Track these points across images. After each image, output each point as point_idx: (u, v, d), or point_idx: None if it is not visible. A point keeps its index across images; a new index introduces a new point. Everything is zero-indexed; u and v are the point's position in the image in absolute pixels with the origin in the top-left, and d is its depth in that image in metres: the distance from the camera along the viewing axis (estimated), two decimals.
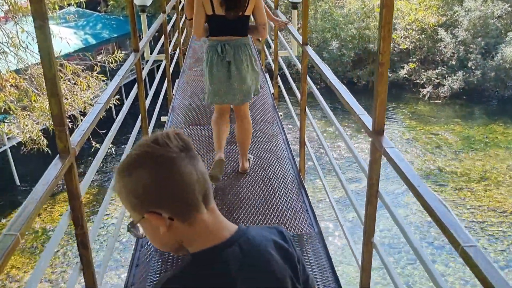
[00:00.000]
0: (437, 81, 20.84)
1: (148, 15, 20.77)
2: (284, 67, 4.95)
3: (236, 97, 3.34)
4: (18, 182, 13.65)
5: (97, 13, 23.06)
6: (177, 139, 0.87)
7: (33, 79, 6.15)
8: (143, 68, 3.48)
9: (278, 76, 5.18)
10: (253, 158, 3.86)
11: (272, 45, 5.58)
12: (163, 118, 5.01)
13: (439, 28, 21.53)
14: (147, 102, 3.59)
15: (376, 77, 1.74)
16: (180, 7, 7.42)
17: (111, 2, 24.18)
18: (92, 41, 18.89)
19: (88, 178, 2.02)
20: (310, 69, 3.75)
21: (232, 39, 3.13)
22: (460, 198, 13.20)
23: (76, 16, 22.58)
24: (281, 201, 3.28)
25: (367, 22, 21.67)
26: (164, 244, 0.92)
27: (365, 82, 20.98)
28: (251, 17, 3.18)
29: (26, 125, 6.05)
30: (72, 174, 1.73)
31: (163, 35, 5.00)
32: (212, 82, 3.28)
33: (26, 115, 6.15)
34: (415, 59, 21.65)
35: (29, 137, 6.22)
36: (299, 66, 3.50)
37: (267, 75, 6.23)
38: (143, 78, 3.44)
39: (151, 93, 3.95)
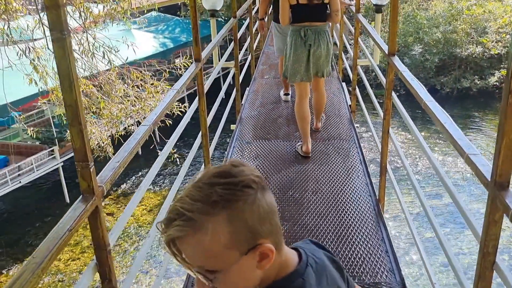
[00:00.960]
0: None
1: (223, 20, 20.95)
2: (364, 77, 4.44)
3: (313, 75, 3.77)
4: (68, 200, 12.69)
5: (177, 17, 23.63)
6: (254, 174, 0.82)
7: (102, 86, 6.14)
8: (207, 77, 3.15)
9: (357, 86, 4.68)
10: (326, 182, 3.42)
11: (351, 52, 5.08)
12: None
13: None
14: (209, 118, 3.27)
15: (502, 110, 1.24)
16: (254, 11, 7.12)
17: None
18: (170, 44, 19.31)
19: (120, 225, 1.69)
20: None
21: (312, 25, 3.61)
22: None
23: (154, 20, 23.38)
24: (355, 236, 2.81)
25: (455, 25, 20.20)
26: (250, 285, 0.85)
27: (450, 89, 19.55)
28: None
29: (93, 133, 6.05)
30: (98, 220, 1.42)
31: (233, 41, 4.69)
32: (294, 62, 3.70)
33: (94, 122, 6.16)
34: (507, 66, 19.79)
35: (97, 144, 6.22)
36: (383, 79, 3.00)
37: (344, 84, 5.73)
38: (205, 90, 3.12)
39: (215, 107, 3.62)
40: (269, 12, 6.49)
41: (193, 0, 2.69)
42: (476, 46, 19.80)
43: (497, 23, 20.36)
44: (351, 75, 4.85)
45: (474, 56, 19.84)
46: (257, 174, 0.82)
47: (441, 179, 1.99)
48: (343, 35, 6.14)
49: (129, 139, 1.83)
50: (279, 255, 0.85)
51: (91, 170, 1.38)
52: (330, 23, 3.89)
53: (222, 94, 3.98)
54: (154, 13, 25.86)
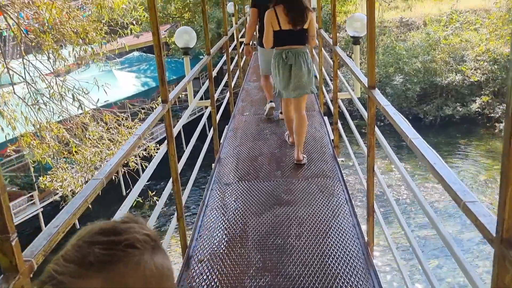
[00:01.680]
0: None
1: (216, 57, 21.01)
2: (345, 111, 4.27)
3: (295, 91, 4.15)
4: None
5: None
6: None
7: (75, 130, 5.88)
8: (178, 118, 2.96)
9: (339, 120, 4.51)
10: (310, 225, 3.18)
11: (331, 85, 4.94)
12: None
13: None
14: (182, 162, 3.04)
15: (504, 154, 1.04)
16: (231, 48, 7.02)
17: (172, 45, 24.79)
18: (152, 83, 19.24)
19: None
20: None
21: (292, 47, 4.09)
22: None
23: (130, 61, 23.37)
24: (343, 286, 2.54)
25: (433, 54, 20.55)
26: None
27: (433, 117, 19.67)
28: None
29: (65, 179, 5.72)
30: None
31: (208, 79, 4.51)
32: (280, 80, 4.19)
33: (66, 167, 5.86)
34: (487, 92, 20.11)
35: (70, 191, 5.90)
36: (364, 113, 2.82)
37: (325, 118, 5.56)
38: (175, 132, 2.89)
39: (188, 149, 3.38)
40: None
41: (157, 37, 2.49)
42: (456, 74, 20.09)
43: (474, 51, 20.76)
44: (332, 109, 4.69)
45: (454, 84, 20.11)
46: (147, 232, 0.73)
47: (435, 229, 1.78)
48: (322, 68, 6.03)
49: (75, 196, 1.59)
50: None
51: (13, 243, 1.13)
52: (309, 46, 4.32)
53: (195, 136, 3.75)
54: (136, 53, 26.00)
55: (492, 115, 19.62)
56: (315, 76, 4.92)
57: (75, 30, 5.33)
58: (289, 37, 4.06)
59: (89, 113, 5.98)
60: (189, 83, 4.33)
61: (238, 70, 7.71)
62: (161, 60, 2.54)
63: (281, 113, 5.17)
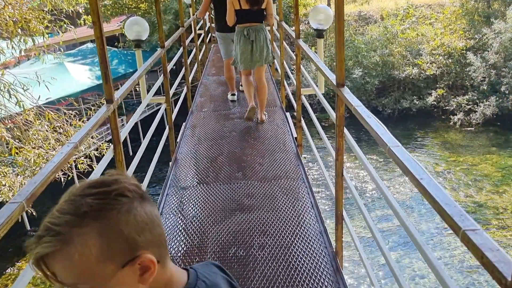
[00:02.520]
0: (468, 107, 19.68)
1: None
2: (309, 108, 4.06)
3: (256, 63, 4.75)
4: None
5: (114, 48, 22.86)
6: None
7: (15, 129, 5.34)
8: (122, 122, 2.63)
9: (302, 118, 4.29)
10: (274, 233, 2.94)
11: (293, 80, 4.72)
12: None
13: (467, 52, 20.51)
14: (132, 167, 2.71)
15: None
16: (188, 40, 6.67)
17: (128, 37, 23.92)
18: None
19: None
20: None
21: (253, 25, 4.64)
22: (507, 238, 11.89)
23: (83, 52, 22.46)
24: None
25: (391, 48, 20.81)
26: None
27: (391, 110, 19.94)
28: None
29: (4, 185, 5.18)
30: None
31: (163, 74, 4.18)
32: (241, 54, 4.71)
33: (6, 171, 5.32)
34: (443, 85, 20.59)
35: (12, 195, 5.43)
36: (332, 113, 2.60)
37: (288, 114, 5.34)
38: (124, 136, 2.56)
39: (139, 153, 3.04)
40: None
41: (98, 28, 2.16)
42: (413, 68, 20.43)
43: (430, 45, 21.17)
44: (295, 105, 4.46)
45: (411, 77, 20.46)
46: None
47: (413, 241, 1.57)
48: (283, 62, 5.80)
49: None
50: (163, 270, 0.82)
51: None
52: (268, 23, 4.92)
53: (148, 136, 3.42)
54: (90, 45, 24.99)
55: (447, 107, 20.09)
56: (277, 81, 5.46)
57: (14, 19, 4.82)
58: (249, 16, 4.61)
59: (32, 111, 5.47)
60: (142, 78, 4.00)
61: (196, 64, 7.37)
62: (104, 54, 2.21)
63: (241, 85, 5.63)
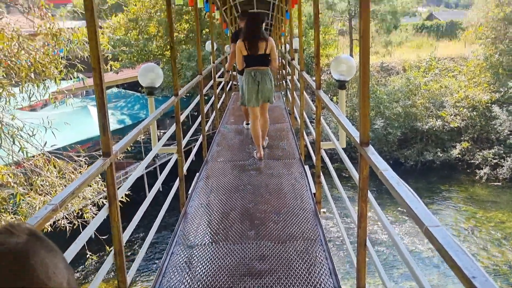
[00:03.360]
0: (495, 161, 19.07)
1: (185, 96, 20.63)
2: (329, 164, 3.79)
3: (260, 100, 5.39)
4: None
5: (137, 93, 23.25)
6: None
7: (21, 175, 5.17)
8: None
9: (322, 174, 4.01)
10: None
11: (313, 131, 4.48)
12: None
13: (492, 105, 20.13)
14: (129, 230, 2.46)
15: None
16: (207, 87, 6.56)
17: None
18: (129, 121, 18.65)
19: None
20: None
21: (259, 68, 5.32)
22: None
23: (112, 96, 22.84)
24: None
25: (413, 99, 20.59)
26: None
27: (413, 162, 19.46)
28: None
29: None
30: None
31: (175, 123, 3.99)
32: (248, 94, 5.36)
33: (8, 220, 5.11)
34: (467, 138, 20.11)
35: None
36: (355, 175, 2.32)
37: (307, 167, 5.07)
38: (122, 192, 2.32)
39: (143, 207, 2.79)
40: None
41: (98, 74, 1.98)
42: (436, 120, 20.08)
43: (453, 97, 20.90)
44: (314, 160, 4.19)
45: (434, 129, 20.07)
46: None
47: None
48: (303, 112, 5.59)
49: None
50: None
51: None
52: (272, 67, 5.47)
53: (155, 189, 3.19)
54: (115, 89, 25.52)
55: (472, 161, 19.52)
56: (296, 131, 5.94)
57: (30, 63, 4.76)
58: (255, 61, 5.30)
59: (42, 157, 5.32)
60: (153, 125, 3.83)
61: (214, 111, 7.24)
62: (104, 103, 2.03)
63: (247, 123, 6.73)
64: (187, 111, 4.98)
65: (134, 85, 25.17)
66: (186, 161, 4.42)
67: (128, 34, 24.12)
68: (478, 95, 20.73)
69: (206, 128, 6.30)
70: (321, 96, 3.62)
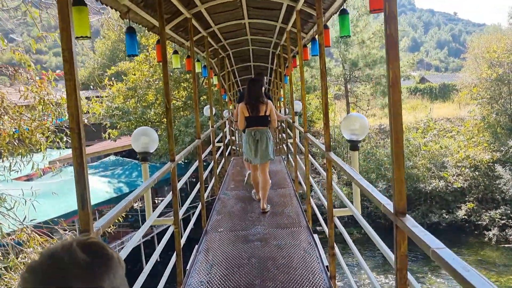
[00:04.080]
0: (502, 222, 18.48)
1: (183, 162, 20.35)
2: (344, 231, 3.37)
3: (260, 159, 5.77)
4: None
5: (135, 161, 23.01)
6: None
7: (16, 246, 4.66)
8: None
9: (335, 244, 3.57)
10: None
11: (323, 199, 4.10)
12: None
13: (494, 164, 19.88)
14: None
15: None
16: (205, 153, 6.25)
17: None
18: (126, 189, 18.19)
19: None
20: None
21: (259, 128, 5.75)
22: None
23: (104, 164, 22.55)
24: None
25: (414, 161, 20.33)
26: None
27: (418, 224, 18.78)
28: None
29: None
30: None
31: (171, 191, 3.62)
32: (249, 150, 5.84)
33: None
34: (472, 198, 19.64)
35: None
36: (390, 255, 1.92)
37: (316, 236, 4.63)
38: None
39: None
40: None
41: (77, 138, 1.64)
42: (439, 181, 19.72)
43: (454, 157, 20.68)
44: (326, 230, 3.77)
45: (438, 190, 19.66)
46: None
47: None
48: (310, 176, 5.24)
49: None
50: None
51: None
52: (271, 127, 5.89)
53: (151, 262, 2.75)
54: (112, 157, 25.31)
55: (480, 222, 18.92)
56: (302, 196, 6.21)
57: (14, 129, 4.45)
58: (256, 121, 5.76)
59: (25, 231, 4.86)
60: (147, 194, 3.45)
61: (213, 178, 6.87)
62: (83, 170, 1.67)
63: (249, 176, 6.88)
64: (185, 178, 4.60)
65: (132, 152, 25.01)
66: (184, 232, 3.99)
67: (127, 102, 24.31)
68: (479, 154, 20.54)
69: (206, 195, 5.91)
70: (334, 159, 3.28)
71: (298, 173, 6.76)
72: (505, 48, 23.21)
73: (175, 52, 6.47)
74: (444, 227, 18.89)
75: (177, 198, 3.60)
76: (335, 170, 17.60)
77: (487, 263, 16.68)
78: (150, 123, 25.82)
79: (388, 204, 1.76)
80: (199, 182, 5.34)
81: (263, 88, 6.00)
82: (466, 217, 19.16)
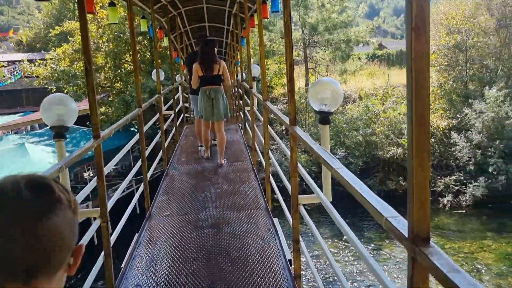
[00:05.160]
0: (456, 188, 18.76)
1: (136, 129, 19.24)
2: (312, 224, 2.75)
3: (215, 117, 6.09)
4: None
5: (84, 128, 21.65)
6: None
7: None
8: None
9: (301, 241, 2.95)
10: None
11: (287, 184, 3.46)
12: None
13: (450, 131, 20.01)
14: None
15: None
16: (151, 123, 5.46)
17: (102, 117, 22.95)
18: None
19: None
20: None
21: (213, 87, 6.02)
22: None
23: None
24: None
25: (373, 127, 20.16)
26: None
27: (376, 192, 18.72)
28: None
29: None
30: None
31: (97, 176, 2.84)
32: (203, 109, 6.07)
33: None
34: None
35: None
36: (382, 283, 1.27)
37: (277, 221, 4.01)
38: None
39: None
40: None
41: None
42: (397, 148, 19.69)
43: None
44: (289, 220, 3.13)
45: (395, 157, 19.65)
46: None
47: None
48: (269, 151, 4.58)
49: None
50: None
51: None
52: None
53: None
54: None
55: (435, 189, 19.12)
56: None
57: None
58: (210, 80, 5.93)
59: None
60: (64, 177, 2.67)
61: (161, 151, 6.10)
62: None
63: (201, 145, 6.98)
64: (116, 159, 3.73)
65: (82, 118, 23.59)
66: (112, 233, 3.25)
67: (74, 65, 22.71)
68: (435, 121, 20.62)
69: (151, 172, 5.16)
70: (300, 135, 2.60)
71: (256, 145, 6.10)
72: (463, 14, 23.12)
73: (112, 3, 5.49)
74: (400, 194, 18.97)
75: (104, 184, 2.85)
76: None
77: (442, 230, 16.91)
78: (100, 87, 24.36)
79: (397, 222, 1.11)
80: (141, 159, 4.57)
81: (216, 49, 6.17)
82: None
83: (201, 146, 6.87)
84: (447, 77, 22.95)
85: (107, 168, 3.10)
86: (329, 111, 2.75)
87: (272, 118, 19.12)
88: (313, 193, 2.78)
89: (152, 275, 3.10)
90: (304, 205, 2.92)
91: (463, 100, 21.69)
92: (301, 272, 3.03)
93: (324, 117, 2.75)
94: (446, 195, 18.60)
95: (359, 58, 34.43)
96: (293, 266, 3.02)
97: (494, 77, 22.34)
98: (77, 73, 22.03)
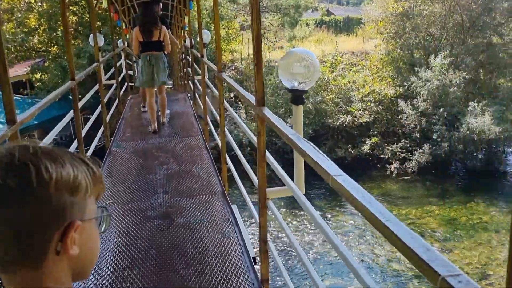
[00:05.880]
0: (403, 155, 19.15)
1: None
2: (281, 219, 2.34)
3: (156, 82, 6.12)
4: None
5: (19, 96, 20.02)
6: None
7: None
8: None
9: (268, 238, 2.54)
10: None
11: (254, 177, 3.02)
12: None
13: (398, 99, 20.26)
14: None
15: None
16: (89, 95, 4.80)
17: (37, 84, 21.33)
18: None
19: None
20: None
21: (153, 53, 6.01)
22: None
23: None
24: None
25: (323, 95, 20.02)
26: None
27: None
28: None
29: None
30: None
31: None
32: (143, 76, 6.02)
33: None
34: (375, 133, 20.00)
35: None
36: None
37: (235, 208, 3.58)
38: None
39: None
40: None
41: None
42: (346, 116, 19.73)
43: (360, 92, 20.69)
44: (256, 217, 2.70)
45: (345, 125, 19.71)
46: None
47: None
48: (225, 129, 4.09)
49: None
50: None
51: None
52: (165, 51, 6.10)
53: None
54: None
55: (382, 156, 19.44)
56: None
57: None
58: (151, 46, 5.90)
59: None
60: None
61: (102, 127, 5.45)
62: None
63: (143, 107, 7.21)
64: (52, 134, 3.09)
65: (13, 86, 21.84)
66: None
67: (2, 26, 20.79)
68: (383, 89, 20.77)
69: (91, 151, 4.56)
70: (269, 117, 2.14)
71: (208, 119, 5.58)
72: None
73: None
74: (349, 162, 19.14)
75: None
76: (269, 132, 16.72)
77: (389, 196, 17.27)
78: (34, 52, 22.60)
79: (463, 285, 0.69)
80: (77, 138, 3.95)
81: (159, 10, 6.18)
82: (370, 151, 19.55)
83: (144, 107, 6.89)
84: (394, 45, 23.06)
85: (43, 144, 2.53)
86: (303, 89, 2.30)
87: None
88: (283, 184, 2.36)
89: (92, 285, 2.60)
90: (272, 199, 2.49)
91: (410, 68, 21.95)
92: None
93: (297, 96, 2.30)
94: (393, 162, 18.95)
95: (307, 24, 34.05)
96: (259, 267, 2.62)
97: (439, 46, 22.72)
98: (8, 36, 20.21)
